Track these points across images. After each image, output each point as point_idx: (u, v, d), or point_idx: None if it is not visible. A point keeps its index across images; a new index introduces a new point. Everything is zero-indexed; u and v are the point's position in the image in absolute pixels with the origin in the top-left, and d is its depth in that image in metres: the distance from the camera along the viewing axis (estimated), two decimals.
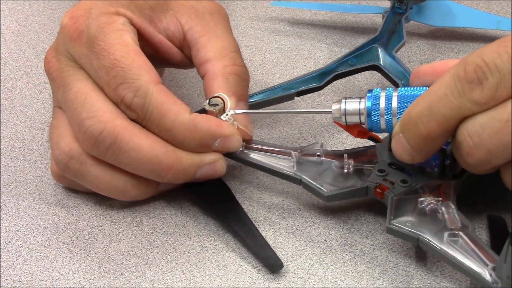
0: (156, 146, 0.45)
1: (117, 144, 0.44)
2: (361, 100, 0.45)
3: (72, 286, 0.44)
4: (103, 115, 0.45)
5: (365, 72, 0.57)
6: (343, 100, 0.45)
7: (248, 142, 0.48)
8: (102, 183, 0.46)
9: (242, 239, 0.45)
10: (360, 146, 0.50)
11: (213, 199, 0.48)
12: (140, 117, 0.45)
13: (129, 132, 0.44)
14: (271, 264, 0.44)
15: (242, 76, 0.49)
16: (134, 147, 0.44)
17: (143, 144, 0.45)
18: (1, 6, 0.68)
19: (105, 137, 0.44)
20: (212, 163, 0.46)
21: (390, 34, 0.57)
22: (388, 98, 0.44)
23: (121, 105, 0.45)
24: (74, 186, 0.49)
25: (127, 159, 0.45)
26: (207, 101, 0.48)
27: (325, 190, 0.46)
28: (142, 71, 0.45)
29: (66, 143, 0.46)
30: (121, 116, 0.45)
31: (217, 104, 0.47)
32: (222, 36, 0.49)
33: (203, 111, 0.48)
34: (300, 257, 0.45)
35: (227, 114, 0.47)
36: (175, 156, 0.45)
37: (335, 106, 0.46)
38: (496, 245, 0.44)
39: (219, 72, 0.48)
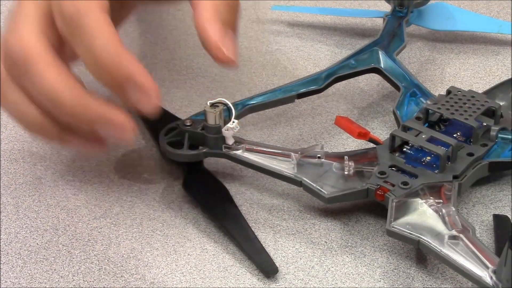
0: (63, 82, 0.43)
1: (26, 71, 0.43)
2: None
3: None
4: (25, 37, 0.43)
5: (366, 75, 0.57)
6: None
7: (248, 144, 0.48)
8: (13, 109, 0.45)
9: (238, 242, 0.45)
10: (360, 148, 0.50)
11: (211, 201, 0.48)
12: (70, 31, 0.43)
13: (42, 60, 0.43)
14: (266, 268, 0.44)
15: (232, 4, 0.46)
16: (40, 76, 0.43)
17: (50, 75, 0.43)
18: (1, 7, 0.68)
19: (18, 59, 0.43)
20: (119, 124, 0.43)
21: (391, 37, 0.57)
22: None
23: (57, 16, 0.43)
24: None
25: (32, 88, 0.43)
26: (208, 103, 0.48)
27: (326, 192, 0.46)
28: None
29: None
30: (43, 41, 0.43)
31: (217, 106, 0.47)
32: None
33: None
34: (300, 259, 0.45)
35: (233, 122, 0.47)
36: (80, 99, 0.43)
37: None
38: (501, 244, 0.44)
39: (209, 2, 0.45)
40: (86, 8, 0.43)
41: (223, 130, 0.48)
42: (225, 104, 0.48)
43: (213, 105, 0.48)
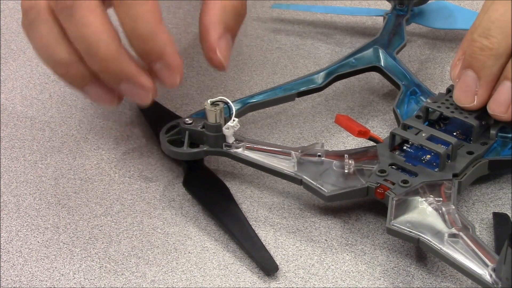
0: (104, 34, 0.44)
1: (72, 10, 0.43)
2: None
3: (72, 287, 0.44)
4: None
5: (366, 73, 0.57)
6: None
7: (248, 142, 0.49)
8: (45, 44, 0.45)
9: (238, 240, 0.45)
10: (360, 146, 0.50)
11: (211, 199, 0.48)
12: None
13: (90, 7, 0.43)
14: (266, 266, 0.44)
15: (240, 11, 0.48)
16: (84, 21, 0.43)
17: (94, 23, 0.43)
18: (1, 6, 0.68)
19: None
20: (141, 87, 0.45)
21: (391, 35, 0.57)
22: None
23: None
24: (28, 36, 0.47)
25: (73, 27, 0.44)
26: (208, 101, 0.48)
27: (326, 190, 0.46)
28: None
29: None
30: None
31: (218, 105, 0.47)
32: None
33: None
34: (300, 257, 0.45)
35: (233, 121, 0.47)
36: (115, 53, 0.44)
37: None
38: (501, 243, 0.44)
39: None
40: None
41: (223, 128, 0.48)
42: (226, 103, 0.48)
43: (213, 103, 0.48)
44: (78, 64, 0.45)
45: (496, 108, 0.47)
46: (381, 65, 0.55)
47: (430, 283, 0.43)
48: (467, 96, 0.48)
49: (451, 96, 0.50)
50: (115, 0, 0.44)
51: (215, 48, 0.46)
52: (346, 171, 0.47)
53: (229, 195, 0.48)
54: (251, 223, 0.47)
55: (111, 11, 0.45)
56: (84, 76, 0.45)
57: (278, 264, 0.44)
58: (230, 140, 0.48)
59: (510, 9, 0.46)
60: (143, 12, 0.43)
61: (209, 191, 0.48)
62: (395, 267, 0.44)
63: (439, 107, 0.49)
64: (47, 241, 0.46)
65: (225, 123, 0.48)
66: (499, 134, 0.49)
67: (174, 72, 0.45)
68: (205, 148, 0.49)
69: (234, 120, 0.48)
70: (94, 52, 0.44)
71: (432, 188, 0.45)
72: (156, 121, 0.53)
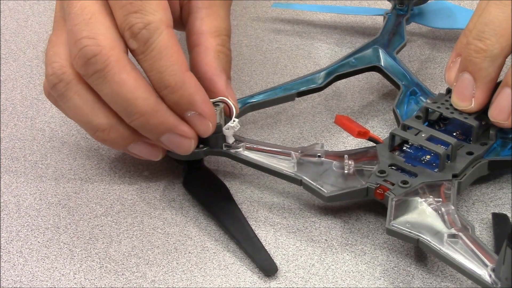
0: (140, 89, 0.44)
1: (104, 73, 0.44)
2: None
3: (73, 287, 0.44)
4: (103, 40, 0.44)
5: (366, 73, 0.57)
6: None
7: (248, 143, 0.49)
8: (80, 113, 0.46)
9: (237, 241, 0.45)
10: (360, 146, 0.50)
11: (211, 199, 0.48)
12: (140, 49, 0.44)
13: (121, 66, 0.44)
14: (265, 267, 0.44)
15: (230, 59, 0.49)
16: (119, 81, 0.44)
17: (128, 82, 0.44)
18: (1, 6, 0.68)
19: (97, 62, 0.44)
20: (183, 136, 0.46)
21: (391, 35, 0.57)
22: None
23: (126, 32, 0.44)
24: (60, 107, 0.48)
25: (108, 89, 0.44)
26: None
27: (326, 191, 0.46)
28: (160, 8, 0.45)
29: (60, 65, 0.46)
30: (120, 46, 0.44)
31: (218, 105, 0.47)
32: (223, 17, 0.50)
33: None
34: (301, 257, 0.45)
35: (234, 121, 0.48)
36: (153, 107, 0.44)
37: None
38: (500, 243, 0.44)
39: (212, 48, 0.48)
40: (154, 25, 0.44)
41: (223, 129, 0.48)
42: (226, 103, 0.48)
43: (214, 103, 0.48)
44: (118, 126, 0.46)
45: (498, 116, 0.47)
46: (381, 65, 0.55)
47: (430, 283, 0.43)
48: (465, 99, 0.48)
49: (451, 97, 0.50)
50: (140, 55, 0.44)
51: (227, 97, 0.48)
52: (346, 171, 0.47)
53: (229, 196, 0.48)
54: (251, 223, 0.47)
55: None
56: (125, 137, 0.46)
57: (278, 264, 0.44)
58: (230, 140, 0.48)
59: (503, 11, 0.46)
60: (168, 64, 0.44)
61: (209, 192, 0.48)
62: (395, 267, 0.44)
63: (438, 107, 0.49)
64: (47, 241, 0.46)
65: (225, 124, 0.48)
66: (499, 134, 0.49)
67: (206, 119, 0.46)
68: (205, 148, 0.49)
69: (234, 121, 0.48)
70: (133, 110, 0.44)
71: (432, 188, 0.45)
72: None
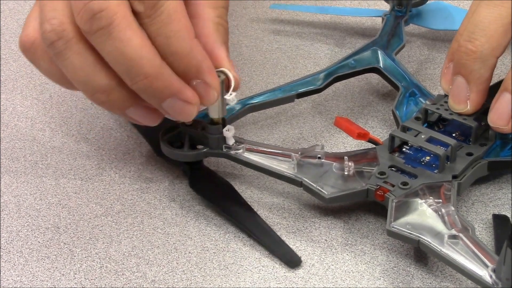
0: (145, 49, 0.42)
1: (109, 29, 0.42)
2: None
3: (73, 287, 0.44)
4: None
5: (365, 75, 0.57)
6: None
7: (248, 144, 0.49)
8: (80, 73, 0.44)
9: (257, 237, 0.45)
10: (360, 148, 0.50)
11: (221, 198, 0.48)
12: (146, 12, 0.43)
13: (127, 23, 0.42)
14: (290, 259, 0.44)
15: (228, 32, 0.48)
16: (124, 39, 0.42)
17: (134, 40, 0.42)
18: (1, 7, 0.68)
19: (102, 17, 0.42)
20: (186, 102, 0.44)
21: (390, 36, 0.57)
22: None
23: None
24: (38, 65, 0.46)
25: (112, 48, 0.42)
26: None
27: (326, 192, 0.46)
28: None
29: (59, 22, 0.43)
30: (126, 4, 0.43)
31: (219, 76, 0.46)
32: None
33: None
34: (301, 256, 0.45)
35: (230, 94, 0.46)
36: (158, 69, 0.43)
37: None
38: (501, 243, 0.44)
39: (211, 20, 0.47)
40: None
41: (223, 130, 0.48)
42: (226, 75, 0.46)
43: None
44: (118, 88, 0.44)
45: (497, 121, 0.47)
46: (380, 67, 0.55)
47: (430, 283, 0.43)
48: (460, 102, 0.48)
49: None
50: (146, 19, 0.43)
51: (230, 68, 0.46)
52: (346, 173, 0.47)
53: (237, 193, 0.48)
54: None
55: None
56: (124, 99, 0.44)
57: (278, 264, 0.44)
58: (230, 142, 0.48)
59: (492, 11, 0.46)
60: (176, 29, 0.43)
61: (217, 191, 0.48)
62: (395, 267, 0.44)
63: (438, 108, 0.49)
64: (47, 241, 0.46)
65: (223, 96, 0.47)
66: (498, 135, 0.49)
67: (212, 88, 0.45)
68: (205, 150, 0.49)
69: (231, 94, 0.47)
70: (137, 70, 0.42)
71: (432, 189, 0.45)
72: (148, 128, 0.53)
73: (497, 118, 0.47)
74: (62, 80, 0.46)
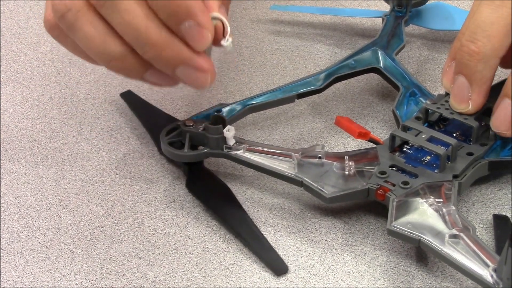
0: (151, 19, 0.43)
1: (115, 1, 0.42)
2: None
3: (74, 287, 0.44)
4: None
5: (365, 75, 0.57)
6: None
7: (249, 144, 0.49)
8: (93, 43, 0.44)
9: (246, 242, 0.45)
10: (361, 147, 0.50)
11: (216, 201, 0.48)
12: None
13: None
14: (276, 267, 0.44)
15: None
16: (129, 10, 0.42)
17: (139, 11, 0.43)
18: (2, 7, 0.68)
19: None
20: (198, 70, 0.44)
21: (390, 37, 0.57)
22: None
23: None
24: (64, 42, 0.47)
25: (119, 19, 0.43)
26: None
27: (327, 192, 0.46)
28: None
29: None
30: None
31: (215, 19, 0.45)
32: None
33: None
34: (301, 257, 0.45)
35: (227, 40, 0.45)
36: (165, 38, 0.43)
37: None
38: (501, 243, 0.44)
39: None
40: None
41: (224, 131, 0.48)
42: (221, 20, 0.45)
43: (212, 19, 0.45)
44: (132, 55, 0.44)
45: (499, 127, 0.47)
46: (380, 67, 0.55)
47: (430, 283, 0.43)
48: (462, 101, 0.48)
49: None
50: None
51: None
52: (346, 172, 0.47)
53: (233, 197, 0.48)
54: None
55: None
56: (141, 65, 0.44)
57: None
58: (231, 142, 0.48)
59: (494, 10, 0.46)
60: None
61: (213, 193, 0.49)
62: (395, 267, 0.44)
63: (438, 108, 0.49)
64: (48, 242, 0.46)
65: (220, 41, 0.45)
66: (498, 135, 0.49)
67: (204, 29, 0.43)
68: (205, 150, 0.49)
69: (228, 40, 0.45)
70: (145, 39, 0.43)
71: (433, 189, 0.45)
72: (154, 123, 0.53)
73: (499, 124, 0.47)
74: (85, 54, 0.46)
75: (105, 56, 0.44)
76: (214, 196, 0.48)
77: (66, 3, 0.44)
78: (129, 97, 0.56)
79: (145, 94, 0.57)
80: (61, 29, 0.45)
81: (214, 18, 0.45)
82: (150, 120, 0.54)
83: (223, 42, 0.45)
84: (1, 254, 0.46)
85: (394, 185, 0.45)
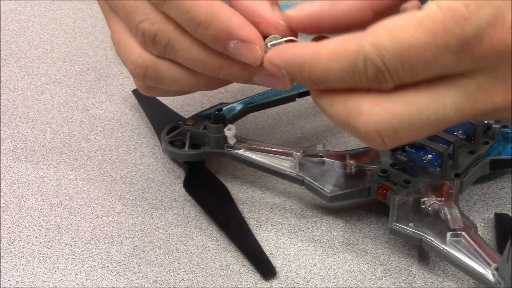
0: (201, 48, 0.43)
1: (170, 45, 0.43)
2: None
3: (74, 287, 0.44)
4: (154, 16, 0.43)
5: None
6: None
7: (250, 143, 0.49)
8: (182, 82, 0.45)
9: (236, 244, 0.45)
10: (362, 146, 0.50)
11: (211, 202, 0.48)
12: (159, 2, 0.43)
13: (179, 33, 0.43)
14: (264, 271, 0.44)
15: None
16: (185, 47, 0.43)
17: (189, 45, 0.43)
18: (2, 7, 0.68)
19: (160, 39, 0.43)
20: (245, 42, 0.42)
21: None
22: None
23: None
24: (161, 93, 0.47)
25: (183, 58, 0.43)
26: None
27: (328, 191, 0.46)
28: None
29: (136, 56, 0.44)
30: (168, 18, 0.43)
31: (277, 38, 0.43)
32: None
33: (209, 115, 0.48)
34: (302, 256, 0.45)
35: (269, 41, 0.42)
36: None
37: None
38: (503, 242, 0.44)
39: None
40: None
41: (225, 130, 0.48)
42: (290, 40, 0.43)
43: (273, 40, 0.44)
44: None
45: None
46: None
47: (432, 283, 0.43)
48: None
49: None
50: (162, 6, 0.43)
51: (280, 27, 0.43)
52: (347, 171, 0.47)
53: (229, 198, 0.48)
54: (252, 223, 0.47)
55: None
56: (244, 68, 0.43)
57: (279, 264, 0.44)
58: (232, 141, 0.48)
59: None
60: (194, 4, 0.42)
61: (209, 193, 0.49)
62: (397, 266, 0.44)
63: None
64: (49, 241, 0.46)
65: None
66: (500, 133, 0.49)
67: (250, 43, 0.42)
68: (206, 149, 0.49)
69: (268, 43, 0.43)
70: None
71: (434, 188, 0.45)
72: (158, 121, 0.53)
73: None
74: (189, 80, 0.45)
75: (197, 86, 0.45)
76: (210, 197, 0.48)
77: (140, 65, 0.44)
78: (140, 93, 0.56)
79: None
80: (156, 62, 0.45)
81: (290, 41, 0.43)
82: (158, 117, 0.54)
83: (268, 43, 0.43)
84: (2, 254, 0.46)
85: (395, 184, 0.45)
